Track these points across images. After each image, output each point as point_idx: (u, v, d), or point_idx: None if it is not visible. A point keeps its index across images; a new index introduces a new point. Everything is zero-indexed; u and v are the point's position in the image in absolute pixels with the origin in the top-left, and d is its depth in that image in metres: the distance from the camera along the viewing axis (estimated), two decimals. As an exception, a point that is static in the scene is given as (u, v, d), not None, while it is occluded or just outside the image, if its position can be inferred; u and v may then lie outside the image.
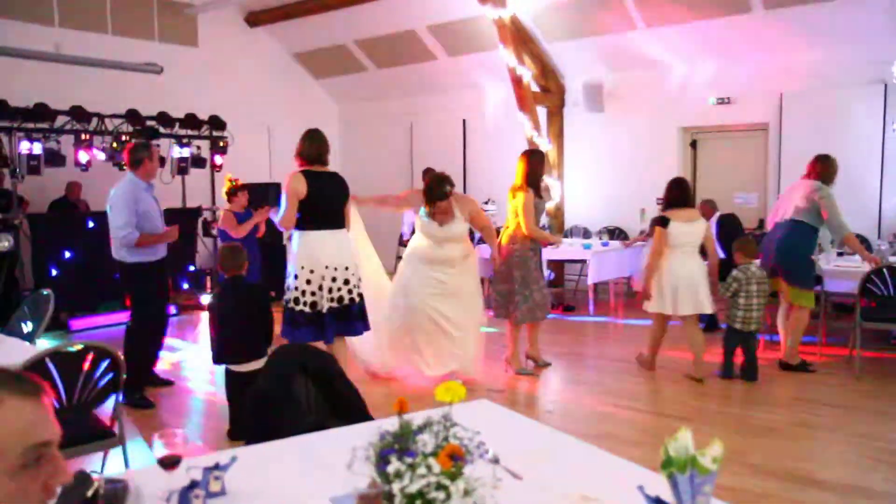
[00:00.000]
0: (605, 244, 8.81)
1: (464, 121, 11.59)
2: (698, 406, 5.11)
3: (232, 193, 7.01)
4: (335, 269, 4.80)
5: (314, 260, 4.76)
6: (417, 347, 5.57)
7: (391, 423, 1.62)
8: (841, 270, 6.30)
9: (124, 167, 6.03)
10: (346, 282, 4.85)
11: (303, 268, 4.77)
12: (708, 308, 5.70)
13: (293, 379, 2.85)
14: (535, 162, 5.94)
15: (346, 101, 13.18)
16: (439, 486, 1.43)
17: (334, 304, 4.79)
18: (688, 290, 5.60)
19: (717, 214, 7.86)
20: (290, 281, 4.83)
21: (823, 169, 5.87)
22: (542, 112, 10.25)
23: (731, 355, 5.74)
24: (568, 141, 10.50)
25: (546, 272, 7.77)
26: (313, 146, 4.85)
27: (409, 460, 1.46)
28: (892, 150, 7.97)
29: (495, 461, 1.95)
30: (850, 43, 8.07)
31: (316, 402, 2.92)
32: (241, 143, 9.97)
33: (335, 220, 4.87)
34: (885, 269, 5.68)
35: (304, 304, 4.76)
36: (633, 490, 1.54)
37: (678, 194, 5.83)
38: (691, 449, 1.30)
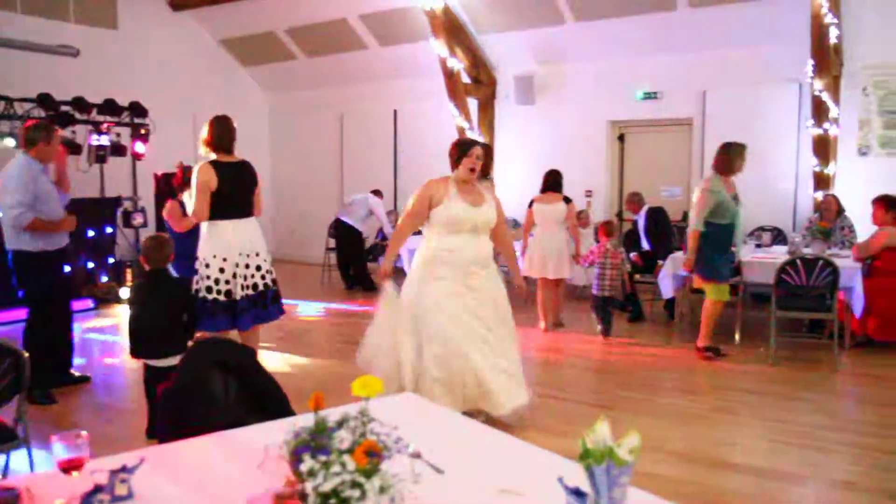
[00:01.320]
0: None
1: (395, 111, 11.51)
2: (620, 395, 5.20)
3: (186, 183, 6.72)
4: (248, 255, 4.76)
5: (226, 248, 4.70)
6: (481, 384, 4.20)
7: (307, 420, 1.56)
8: (758, 262, 6.51)
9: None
10: (259, 268, 4.81)
11: (215, 256, 4.69)
12: (566, 273, 7.16)
13: (210, 374, 2.75)
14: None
15: (275, 89, 12.91)
16: (354, 484, 1.39)
17: (249, 292, 4.76)
18: (550, 258, 6.99)
19: (646, 207, 8.04)
20: (201, 270, 4.73)
21: (718, 159, 6.03)
22: (473, 104, 10.28)
23: (599, 315, 6.84)
24: (499, 133, 10.56)
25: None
26: (221, 134, 4.75)
27: (322, 458, 1.41)
28: (806, 147, 8.30)
29: (416, 455, 1.92)
30: (769, 43, 8.36)
31: (235, 397, 2.83)
32: (164, 131, 9.63)
33: (245, 208, 4.82)
34: (798, 261, 5.90)
35: (219, 292, 4.68)
36: (555, 481, 1.53)
37: (547, 182, 7.25)
38: (609, 441, 1.30)
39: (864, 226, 6.97)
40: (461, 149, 4.33)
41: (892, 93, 8.05)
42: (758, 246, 7.41)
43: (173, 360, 4.12)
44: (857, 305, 6.06)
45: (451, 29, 9.53)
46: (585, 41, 9.42)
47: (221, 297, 4.68)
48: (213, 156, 4.71)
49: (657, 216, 7.94)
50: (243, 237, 4.76)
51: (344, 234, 9.72)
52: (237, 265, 4.71)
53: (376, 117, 11.70)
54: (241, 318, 4.74)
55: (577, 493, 1.42)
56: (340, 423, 1.55)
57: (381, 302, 4.40)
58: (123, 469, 1.76)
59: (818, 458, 4.01)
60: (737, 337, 6.54)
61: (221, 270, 4.68)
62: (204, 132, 4.75)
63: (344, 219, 9.69)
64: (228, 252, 4.70)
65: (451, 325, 4.18)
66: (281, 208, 12.85)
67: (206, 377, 2.79)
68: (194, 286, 4.72)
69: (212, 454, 2.05)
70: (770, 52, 8.42)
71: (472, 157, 4.27)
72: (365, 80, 11.57)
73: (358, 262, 9.84)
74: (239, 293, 4.71)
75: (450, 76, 9.50)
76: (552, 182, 7.30)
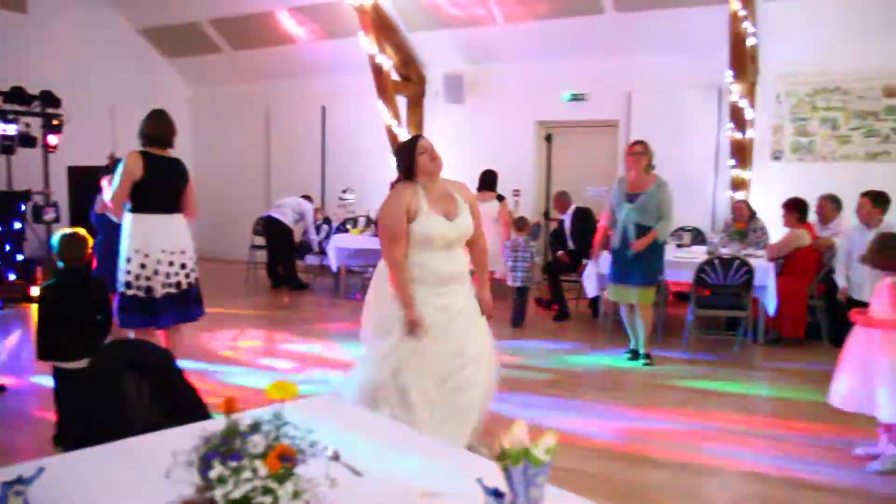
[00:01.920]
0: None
1: (323, 107, 11.35)
2: (545, 393, 5.26)
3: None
4: (171, 252, 4.63)
5: (149, 244, 4.57)
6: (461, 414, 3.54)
7: (218, 424, 1.50)
8: (679, 261, 6.70)
9: None
10: (183, 266, 4.69)
11: (137, 251, 4.55)
12: (499, 269, 7.52)
13: (122, 377, 2.63)
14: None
15: (198, 82, 12.54)
16: (266, 490, 1.34)
17: (172, 290, 4.62)
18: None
19: (573, 207, 8.18)
20: (121, 265, 4.58)
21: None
22: (402, 101, 10.23)
23: (515, 305, 7.31)
24: (428, 131, 10.54)
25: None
26: (155, 127, 4.69)
27: (233, 464, 1.36)
28: (724, 150, 8.60)
29: (336, 458, 1.88)
30: (691, 49, 8.61)
31: (148, 401, 2.71)
32: (79, 122, 9.22)
33: (172, 204, 4.71)
34: (716, 260, 6.10)
35: (139, 288, 4.54)
36: (474, 482, 1.52)
37: (483, 181, 7.83)
38: (526, 441, 1.29)
39: (777, 227, 7.26)
40: (409, 150, 3.56)
41: (802, 101, 8.42)
42: (679, 246, 7.63)
43: (85, 363, 3.93)
44: (771, 304, 6.31)
45: (381, 26, 9.46)
46: (515, 42, 9.51)
47: (141, 294, 4.55)
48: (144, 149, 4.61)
49: (583, 216, 8.09)
50: (167, 233, 4.64)
51: (273, 232, 9.52)
52: (159, 261, 4.58)
53: (304, 113, 11.51)
54: (162, 316, 4.61)
55: (496, 493, 1.42)
56: (254, 428, 1.50)
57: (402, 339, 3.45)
58: (19, 480, 1.65)
59: (732, 451, 4.15)
60: (658, 335, 6.71)
61: (142, 266, 4.55)
62: (141, 126, 4.67)
63: (275, 215, 9.50)
64: (151, 248, 4.56)
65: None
66: (203, 204, 12.44)
67: (117, 380, 2.67)
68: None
69: (118, 462, 1.96)
70: (692, 57, 8.68)
71: (426, 151, 3.54)
72: (292, 75, 11.36)
73: (287, 260, 9.67)
74: (160, 290, 4.58)
75: (379, 73, 9.44)
76: (486, 181, 7.64)
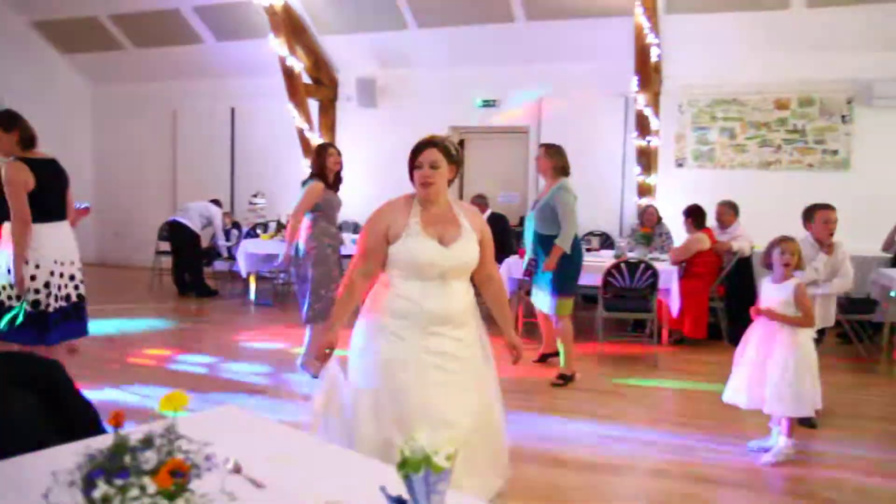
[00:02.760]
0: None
1: (232, 109, 11.07)
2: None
3: None
4: (62, 263, 4.35)
5: (40, 254, 4.26)
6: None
7: (104, 441, 1.42)
8: (587, 265, 6.84)
9: None
10: (73, 277, 4.42)
11: (26, 263, 4.22)
12: None
13: (6, 392, 2.46)
14: (315, 155, 5.61)
15: (99, 80, 11.98)
16: (155, 509, 1.27)
17: (63, 303, 4.34)
18: None
19: (488, 212, 8.26)
20: (3, 278, 4.26)
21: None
22: (314, 105, 10.10)
23: None
24: (341, 136, 10.44)
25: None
26: (27, 128, 4.29)
27: (119, 482, 1.28)
28: (631, 157, 8.88)
29: (237, 471, 1.82)
30: (599, 58, 8.86)
31: (36, 418, 2.55)
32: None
33: (60, 211, 4.41)
34: (622, 264, 6.28)
35: (26, 302, 4.23)
36: (378, 491, 1.49)
37: None
38: (426, 449, 1.27)
39: (681, 232, 7.54)
40: (412, 155, 2.96)
41: (703, 111, 8.81)
42: (588, 250, 7.81)
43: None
44: (674, 305, 6.55)
45: (292, 28, 9.31)
46: (427, 47, 9.54)
47: (29, 308, 4.23)
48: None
49: (496, 222, 8.17)
50: (58, 243, 4.35)
51: (179, 237, 9.20)
52: (52, 273, 4.28)
53: (213, 115, 11.19)
54: (52, 332, 4.29)
55: (399, 501, 1.40)
56: (145, 442, 1.42)
57: (322, 392, 2.89)
58: None
59: (637, 449, 4.28)
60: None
61: (33, 278, 4.23)
62: (6, 129, 4.23)
63: (181, 220, 9.18)
64: (42, 259, 4.26)
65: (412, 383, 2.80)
66: (105, 209, 11.91)
67: (1, 396, 2.50)
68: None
69: (3, 483, 1.82)
70: (600, 66, 8.93)
71: (424, 167, 2.87)
72: (200, 75, 11.02)
73: (194, 266, 9.36)
74: (52, 304, 4.28)
75: (290, 76, 9.28)
76: None
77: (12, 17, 10.78)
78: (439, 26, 9.17)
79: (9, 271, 4.22)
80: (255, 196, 9.86)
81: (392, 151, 10.00)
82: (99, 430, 2.55)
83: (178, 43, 10.60)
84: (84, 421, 2.58)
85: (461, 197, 10.04)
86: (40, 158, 4.31)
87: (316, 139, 9.62)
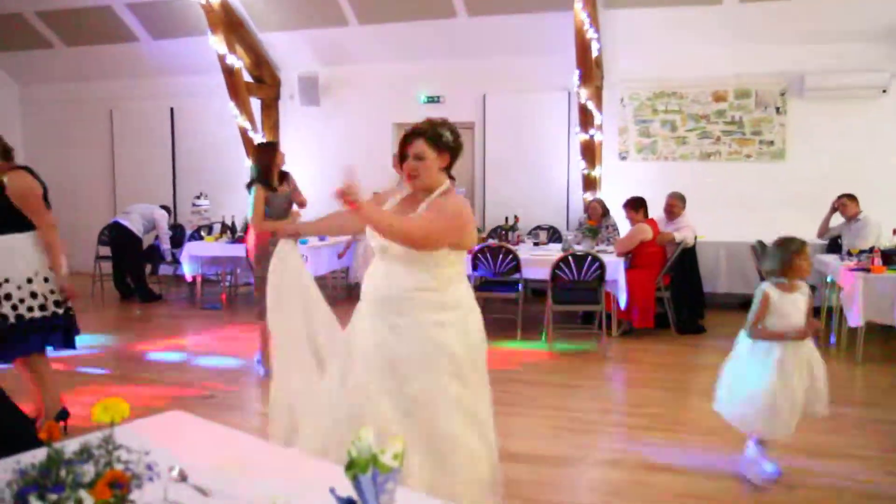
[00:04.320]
0: (322, 239, 8.74)
1: (172, 109, 10.79)
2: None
3: None
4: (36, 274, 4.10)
5: (16, 266, 4.03)
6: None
7: (38, 455, 1.35)
8: (535, 258, 6.91)
9: None
10: (9, 296, 4.03)
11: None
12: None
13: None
14: (262, 155, 5.60)
15: (28, 80, 11.53)
16: (93, 523, 1.21)
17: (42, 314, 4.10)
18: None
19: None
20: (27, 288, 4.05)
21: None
22: (256, 104, 9.93)
23: None
24: (285, 134, 10.30)
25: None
26: (2, 139, 4.18)
27: (53, 497, 1.22)
28: (575, 151, 8.98)
29: (182, 479, 1.76)
30: (541, 53, 8.93)
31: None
32: None
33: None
34: (570, 257, 6.34)
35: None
36: (327, 492, 1.46)
37: None
38: (373, 448, 1.25)
39: (626, 224, 7.65)
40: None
41: (644, 104, 8.97)
42: (535, 244, 7.88)
43: None
44: (621, 297, 6.64)
45: (230, 25, 9.13)
46: (369, 44, 9.46)
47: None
48: None
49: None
50: (33, 254, 4.11)
51: (120, 241, 8.93)
52: (20, 287, 4.05)
53: (151, 115, 10.88)
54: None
55: (349, 502, 1.37)
56: (81, 454, 1.36)
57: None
58: None
59: (588, 441, 4.31)
60: (518, 332, 6.88)
61: (19, 288, 4.04)
62: None
63: (122, 222, 8.91)
64: (11, 271, 4.03)
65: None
66: (40, 214, 11.50)
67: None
68: None
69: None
70: (542, 61, 9.00)
71: (410, 159, 2.85)
72: (137, 74, 10.71)
73: (136, 270, 9.09)
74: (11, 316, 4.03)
75: (230, 74, 9.10)
76: None
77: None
78: (381, 22, 9.11)
79: (29, 280, 4.06)
80: (198, 197, 9.64)
81: (336, 149, 9.94)
82: (36, 442, 2.45)
83: (111, 41, 10.27)
84: (18, 432, 2.48)
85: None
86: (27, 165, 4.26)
87: (259, 139, 9.46)
